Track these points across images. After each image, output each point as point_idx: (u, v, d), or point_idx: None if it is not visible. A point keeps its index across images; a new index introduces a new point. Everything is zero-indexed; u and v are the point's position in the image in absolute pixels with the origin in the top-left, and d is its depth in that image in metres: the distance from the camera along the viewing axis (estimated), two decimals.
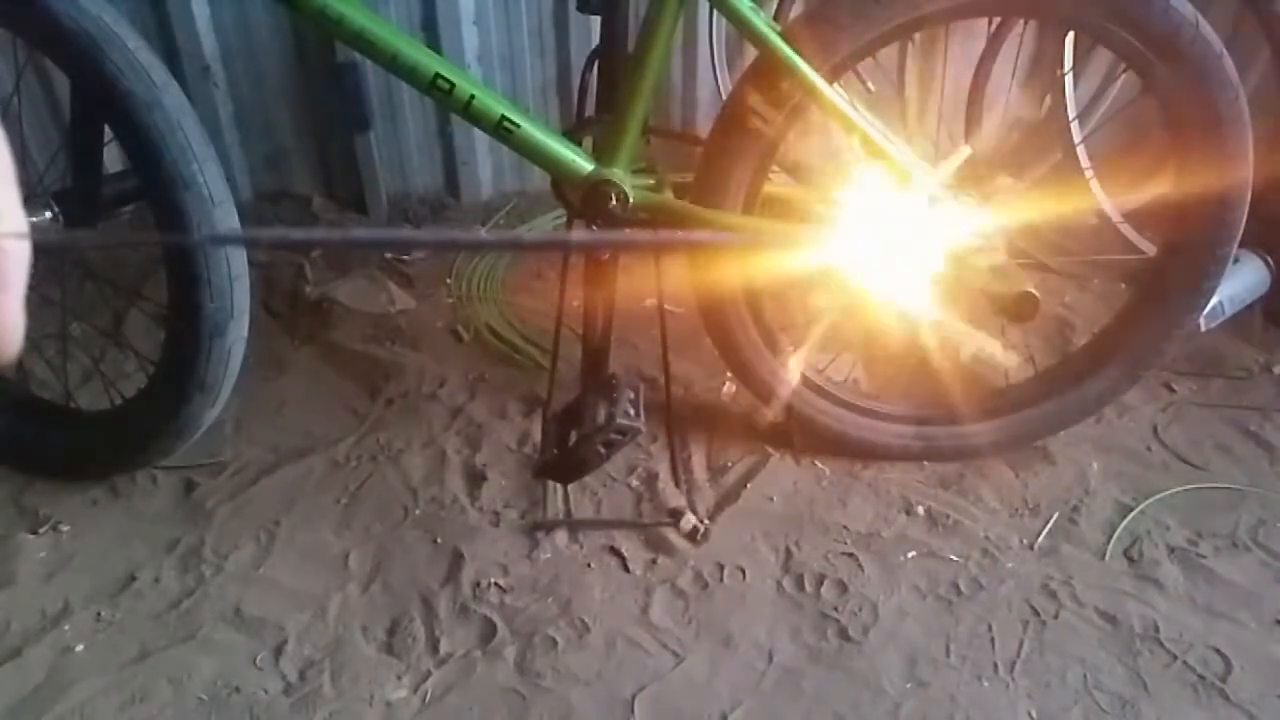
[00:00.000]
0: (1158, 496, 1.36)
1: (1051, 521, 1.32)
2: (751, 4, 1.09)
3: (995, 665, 1.11)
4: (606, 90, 1.22)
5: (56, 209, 1.19)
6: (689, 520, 1.27)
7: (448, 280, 1.87)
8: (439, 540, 1.27)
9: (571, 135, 1.19)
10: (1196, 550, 1.27)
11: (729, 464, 1.42)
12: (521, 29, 1.98)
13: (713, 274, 1.28)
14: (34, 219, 1.17)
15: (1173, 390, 1.59)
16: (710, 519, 1.30)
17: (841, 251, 0.67)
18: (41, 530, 1.28)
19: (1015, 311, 1.14)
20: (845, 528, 1.30)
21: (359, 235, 0.56)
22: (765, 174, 1.22)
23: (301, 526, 1.29)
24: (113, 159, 1.30)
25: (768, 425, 1.44)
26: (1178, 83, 1.14)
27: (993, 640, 1.14)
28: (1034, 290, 1.13)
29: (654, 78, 1.12)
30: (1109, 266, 1.89)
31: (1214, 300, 1.44)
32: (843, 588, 1.21)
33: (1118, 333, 1.38)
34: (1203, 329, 1.59)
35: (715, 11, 1.81)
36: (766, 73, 1.13)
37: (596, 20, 1.25)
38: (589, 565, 1.24)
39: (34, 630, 1.14)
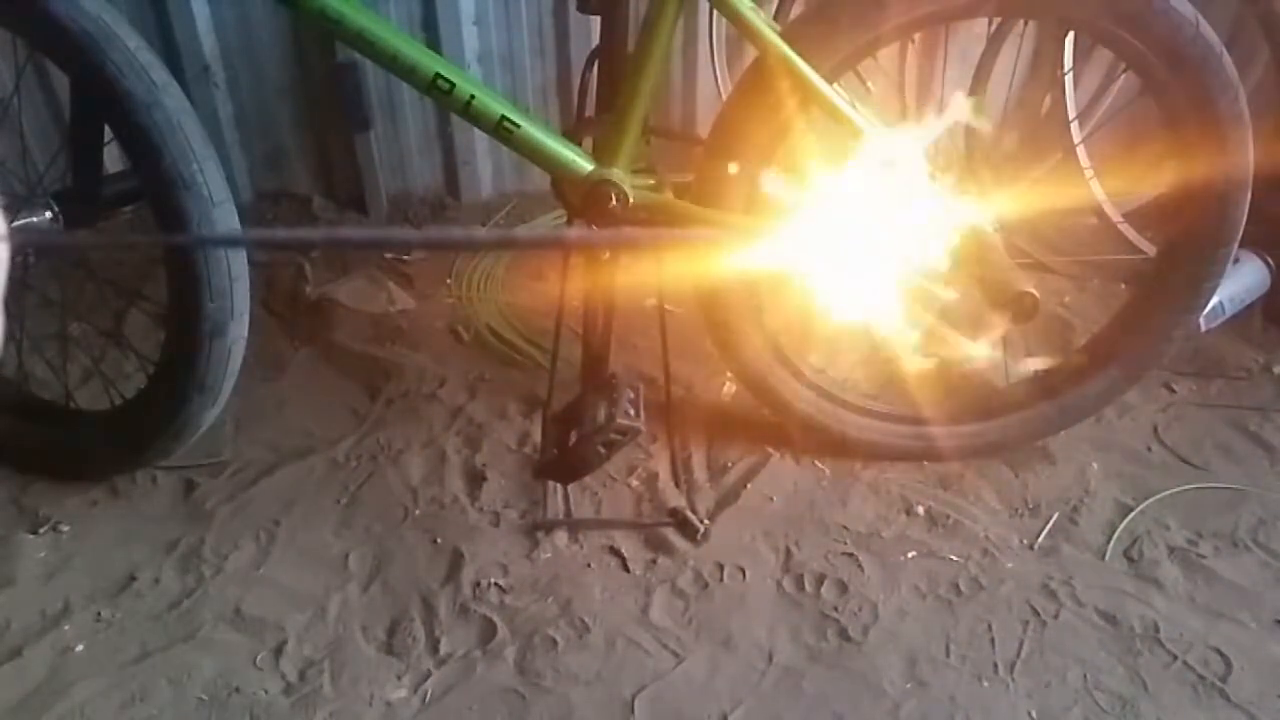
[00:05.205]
0: (1158, 496, 1.36)
1: (1051, 521, 1.32)
2: (751, 4, 1.09)
3: (995, 665, 1.11)
4: (606, 90, 1.22)
5: (56, 209, 1.19)
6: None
7: (448, 280, 1.87)
8: (439, 540, 1.27)
9: (571, 135, 1.19)
10: (1196, 550, 1.27)
11: (729, 464, 1.42)
12: (521, 29, 1.98)
13: (713, 274, 1.28)
14: (34, 219, 1.17)
15: (1173, 390, 1.59)
16: (710, 519, 1.30)
17: (838, 252, 0.67)
18: (41, 530, 1.28)
19: (1015, 311, 1.14)
20: (845, 528, 1.30)
21: (351, 235, 0.56)
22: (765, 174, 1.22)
23: (301, 526, 1.29)
24: (113, 159, 1.30)
25: (768, 425, 1.44)
26: (1177, 82, 1.14)
27: (993, 640, 1.14)
28: (1034, 290, 1.13)
29: (654, 78, 1.12)
30: (1109, 266, 1.89)
31: (1214, 300, 1.45)
32: (843, 588, 1.21)
33: (1118, 333, 1.38)
34: (1203, 329, 1.60)
35: (715, 11, 1.81)
36: (766, 72, 1.13)
37: (596, 20, 1.24)
38: (589, 565, 1.24)
39: (34, 630, 1.14)
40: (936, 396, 1.42)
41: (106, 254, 1.83)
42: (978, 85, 1.97)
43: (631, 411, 1.17)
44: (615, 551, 1.26)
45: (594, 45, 1.25)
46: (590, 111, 1.28)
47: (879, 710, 1.06)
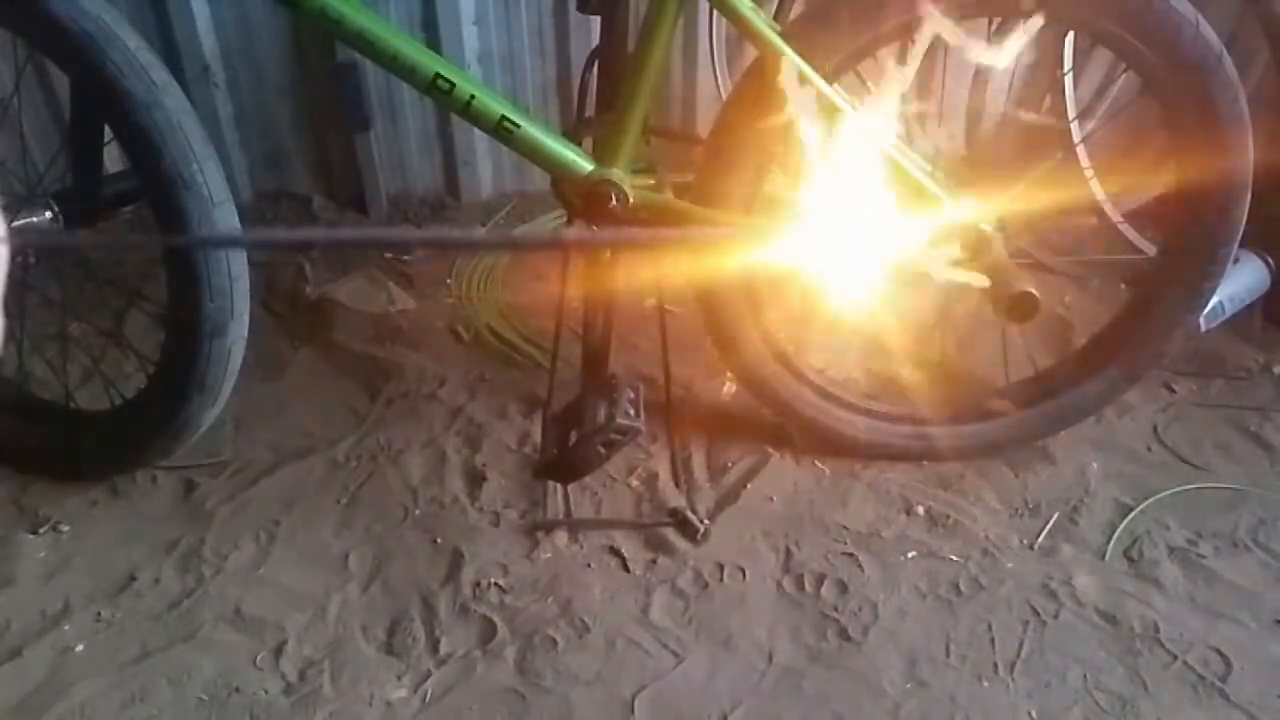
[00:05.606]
0: (1158, 496, 1.36)
1: (1051, 521, 1.32)
2: (751, 4, 1.09)
3: (995, 665, 1.11)
4: (606, 90, 1.22)
5: (56, 209, 1.19)
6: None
7: (448, 280, 1.87)
8: (439, 540, 1.27)
9: (571, 135, 1.19)
10: (1196, 550, 1.27)
11: (729, 464, 1.42)
12: (521, 29, 1.98)
13: (713, 274, 1.28)
14: (34, 219, 1.17)
15: (1173, 390, 1.59)
16: (710, 519, 1.30)
17: (836, 251, 0.67)
18: (41, 530, 1.28)
19: (1015, 311, 1.14)
20: (845, 528, 1.30)
21: (351, 235, 0.56)
22: (765, 174, 1.22)
23: (301, 526, 1.29)
24: (113, 159, 1.30)
25: (768, 425, 1.44)
26: (1178, 83, 1.14)
27: (993, 640, 1.14)
28: (1034, 290, 1.13)
29: (654, 78, 1.12)
30: (1109, 266, 1.89)
31: (1214, 300, 1.44)
32: (843, 588, 1.21)
33: (1118, 333, 1.38)
34: (1203, 329, 1.59)
35: (715, 11, 1.81)
36: (767, 73, 1.13)
37: (596, 20, 1.25)
38: (589, 565, 1.24)
39: (34, 630, 1.14)
40: (937, 396, 1.42)
41: (106, 254, 1.83)
42: (978, 86, 1.97)
43: (631, 411, 1.17)
44: (615, 551, 1.26)
45: (594, 45, 1.26)
46: (590, 111, 1.28)
47: (879, 710, 1.06)
